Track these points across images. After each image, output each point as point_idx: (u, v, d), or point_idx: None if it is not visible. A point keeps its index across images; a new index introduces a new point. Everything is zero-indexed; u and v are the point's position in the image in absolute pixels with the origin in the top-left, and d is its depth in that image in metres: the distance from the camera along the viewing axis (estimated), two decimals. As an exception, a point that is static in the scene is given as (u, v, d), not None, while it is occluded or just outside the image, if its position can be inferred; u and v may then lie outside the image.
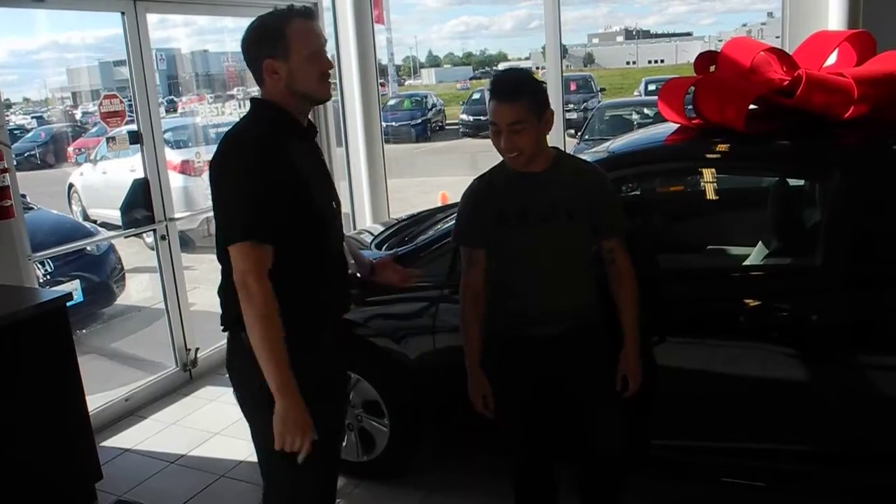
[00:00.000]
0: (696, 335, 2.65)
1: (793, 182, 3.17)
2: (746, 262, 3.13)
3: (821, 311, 2.52)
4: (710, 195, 3.56)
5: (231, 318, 1.97)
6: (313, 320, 2.03)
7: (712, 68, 3.12)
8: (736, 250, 3.51)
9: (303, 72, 1.93)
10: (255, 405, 2.00)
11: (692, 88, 2.94)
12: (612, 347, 2.43)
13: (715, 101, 2.82)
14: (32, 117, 17.31)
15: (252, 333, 1.84)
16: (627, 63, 57.39)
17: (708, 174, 3.44)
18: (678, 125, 3.01)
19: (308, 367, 1.93)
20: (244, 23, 2.02)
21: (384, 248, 3.48)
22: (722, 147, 2.83)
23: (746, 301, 2.64)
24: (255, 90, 2.13)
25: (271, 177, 1.84)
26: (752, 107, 2.75)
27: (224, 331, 2.06)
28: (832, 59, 3.11)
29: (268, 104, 1.98)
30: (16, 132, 15.55)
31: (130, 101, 4.27)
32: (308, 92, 1.96)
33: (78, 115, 15.00)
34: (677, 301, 2.69)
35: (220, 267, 2.00)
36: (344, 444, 3.29)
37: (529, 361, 2.40)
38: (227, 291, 1.92)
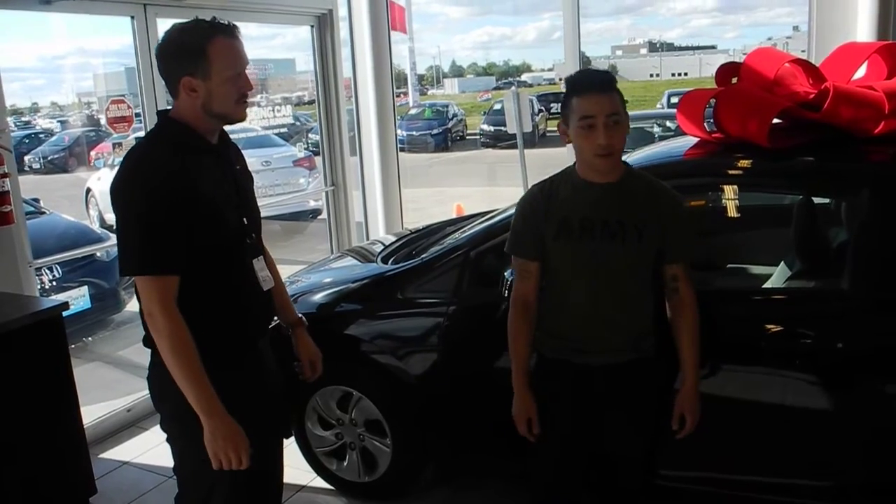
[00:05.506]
0: (713, 360, 2.49)
1: (817, 200, 3.03)
2: (768, 284, 2.99)
3: (847, 337, 2.38)
4: (731, 212, 3.42)
5: (151, 338, 1.96)
6: (230, 339, 1.97)
7: (734, 80, 3.00)
8: (757, 270, 3.37)
9: (222, 93, 1.85)
10: (172, 418, 1.99)
11: (713, 101, 2.82)
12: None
13: (737, 114, 2.69)
14: (58, 121, 17.48)
15: (167, 362, 1.82)
16: (651, 76, 56.91)
17: (728, 191, 3.30)
18: (698, 139, 2.89)
19: (230, 384, 1.91)
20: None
21: (391, 261, 3.37)
22: (744, 162, 2.69)
23: (768, 325, 2.50)
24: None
25: (173, 198, 1.77)
26: (775, 121, 2.63)
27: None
28: (861, 72, 2.98)
29: (174, 122, 1.90)
30: (41, 135, 15.81)
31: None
32: (224, 114, 1.90)
33: (102, 119, 15.09)
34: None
35: None
36: (345, 464, 3.23)
37: (578, 391, 2.23)
38: (143, 313, 1.91)
